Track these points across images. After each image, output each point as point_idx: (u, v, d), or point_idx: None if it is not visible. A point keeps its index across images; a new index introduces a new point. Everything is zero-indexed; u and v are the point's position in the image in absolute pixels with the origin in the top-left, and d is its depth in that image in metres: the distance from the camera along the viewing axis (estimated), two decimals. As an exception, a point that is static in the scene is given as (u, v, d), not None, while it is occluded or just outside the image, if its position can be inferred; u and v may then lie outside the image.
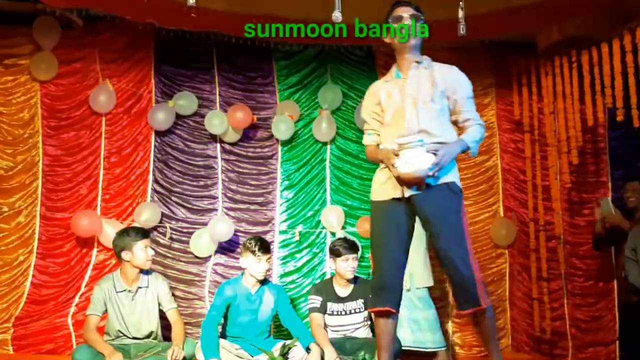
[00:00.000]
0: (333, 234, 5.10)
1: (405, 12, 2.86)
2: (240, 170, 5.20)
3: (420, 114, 2.78)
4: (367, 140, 3.05)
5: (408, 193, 2.76)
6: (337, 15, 3.44)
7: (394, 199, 2.80)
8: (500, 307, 5.25)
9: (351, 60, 5.38)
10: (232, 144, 5.19)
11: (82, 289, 4.70)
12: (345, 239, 4.34)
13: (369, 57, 5.37)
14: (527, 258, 5.29)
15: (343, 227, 5.13)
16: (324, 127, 5.20)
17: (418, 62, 2.89)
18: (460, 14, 3.67)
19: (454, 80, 2.88)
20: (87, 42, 4.94)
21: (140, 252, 3.93)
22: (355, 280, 4.26)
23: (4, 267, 4.67)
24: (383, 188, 2.85)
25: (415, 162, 2.67)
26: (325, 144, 5.31)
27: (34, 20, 4.74)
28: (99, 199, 4.88)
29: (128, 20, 4.64)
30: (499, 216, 5.37)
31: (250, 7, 4.46)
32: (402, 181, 2.74)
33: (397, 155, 2.71)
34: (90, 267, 4.76)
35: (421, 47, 2.95)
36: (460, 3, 3.69)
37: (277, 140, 5.24)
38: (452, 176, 2.81)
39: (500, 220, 5.33)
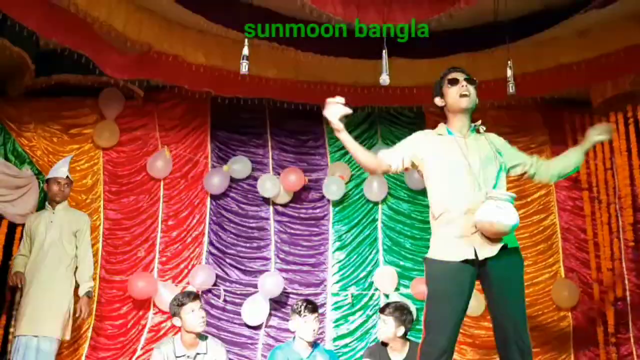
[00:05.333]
0: (386, 295, 5.01)
1: (460, 76, 2.86)
2: (292, 231, 5.24)
3: (489, 173, 2.73)
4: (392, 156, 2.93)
5: (483, 255, 2.59)
6: (384, 78, 3.53)
7: (463, 260, 2.60)
8: (566, 373, 4.97)
9: (401, 122, 5.43)
10: (284, 205, 5.26)
11: (138, 352, 4.73)
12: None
13: (419, 118, 5.40)
14: (592, 321, 5.02)
15: (396, 289, 5.04)
16: (375, 187, 5.21)
17: (474, 124, 2.89)
18: (509, 73, 3.69)
19: (496, 141, 2.90)
20: (148, 111, 5.19)
21: (188, 316, 3.87)
22: (410, 344, 4.13)
23: (63, 329, 4.78)
24: (450, 247, 2.63)
25: (514, 214, 2.53)
26: (376, 203, 5.30)
27: (100, 92, 5.03)
28: (156, 261, 4.99)
29: (186, 90, 4.89)
30: (560, 277, 5.16)
31: (301, 73, 4.61)
32: (489, 232, 2.55)
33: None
34: (146, 329, 4.82)
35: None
36: (509, 62, 3.71)
37: (329, 200, 5.27)
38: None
39: (561, 282, 5.12)
